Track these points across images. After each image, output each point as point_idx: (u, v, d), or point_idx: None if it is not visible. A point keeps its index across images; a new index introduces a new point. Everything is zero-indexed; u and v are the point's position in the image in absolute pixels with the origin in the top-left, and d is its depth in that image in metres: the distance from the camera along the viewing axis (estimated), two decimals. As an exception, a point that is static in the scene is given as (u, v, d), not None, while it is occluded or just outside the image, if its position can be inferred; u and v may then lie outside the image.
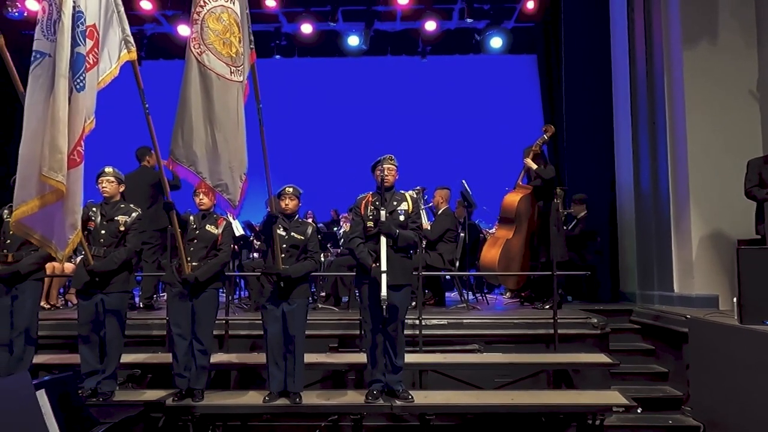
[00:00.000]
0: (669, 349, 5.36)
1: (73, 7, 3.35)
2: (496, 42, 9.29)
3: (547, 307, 5.89)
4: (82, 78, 3.37)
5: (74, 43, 3.34)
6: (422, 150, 9.85)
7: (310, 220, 6.47)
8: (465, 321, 5.32)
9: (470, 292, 7.09)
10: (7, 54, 3.69)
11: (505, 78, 10.42)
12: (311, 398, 4.28)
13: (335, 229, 8.27)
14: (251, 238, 7.23)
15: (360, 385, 4.73)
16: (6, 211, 4.34)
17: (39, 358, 4.54)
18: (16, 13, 8.52)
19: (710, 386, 4.53)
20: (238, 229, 6.48)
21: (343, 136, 10.54)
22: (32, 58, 3.37)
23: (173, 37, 9.52)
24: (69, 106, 3.29)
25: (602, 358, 4.88)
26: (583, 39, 7.60)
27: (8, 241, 4.25)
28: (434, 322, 5.24)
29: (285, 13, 9.48)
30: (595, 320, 5.25)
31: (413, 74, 10.47)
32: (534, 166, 6.07)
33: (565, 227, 6.85)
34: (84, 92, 3.37)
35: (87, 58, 3.41)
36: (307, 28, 9.36)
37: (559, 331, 5.10)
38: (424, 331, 5.08)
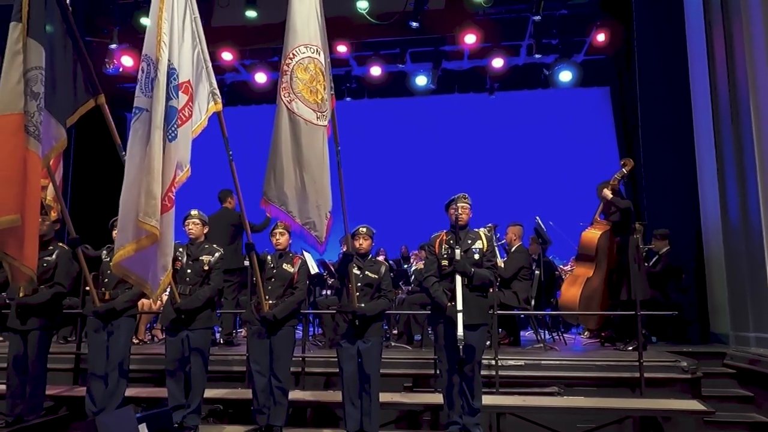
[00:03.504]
0: (771, 397, 4.95)
1: (168, 65, 3.66)
2: (565, 76, 9.19)
3: (630, 348, 5.61)
4: (174, 129, 3.67)
5: (168, 97, 3.65)
6: (493, 186, 9.76)
7: (381, 258, 6.54)
8: (543, 362, 5.15)
9: (546, 331, 6.87)
10: (107, 110, 4.07)
11: (576, 112, 10.23)
12: (387, 439, 4.25)
13: (405, 266, 8.29)
14: (325, 276, 7.37)
15: (435, 427, 4.65)
16: (104, 252, 4.67)
17: (127, 391, 4.76)
18: (112, 69, 9.32)
19: (822, 439, 4.12)
20: (313, 267, 6.63)
21: (412, 173, 10.64)
22: (132, 113, 3.70)
23: (250, 84, 10.11)
24: (163, 155, 3.57)
25: (695, 405, 4.56)
26: (658, 68, 7.40)
27: (106, 279, 4.55)
28: (511, 362, 5.10)
29: (355, 57, 9.84)
30: (685, 363, 4.94)
31: (481, 111, 10.48)
32: (610, 196, 5.92)
33: (646, 264, 6.55)
34: (176, 142, 3.66)
35: (183, 111, 3.70)
36: (376, 71, 9.65)
37: (646, 375, 4.83)
38: (501, 372, 4.94)
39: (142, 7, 8.58)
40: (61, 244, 4.75)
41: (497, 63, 9.27)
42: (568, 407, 4.68)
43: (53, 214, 4.68)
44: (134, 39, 8.96)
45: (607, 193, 5.94)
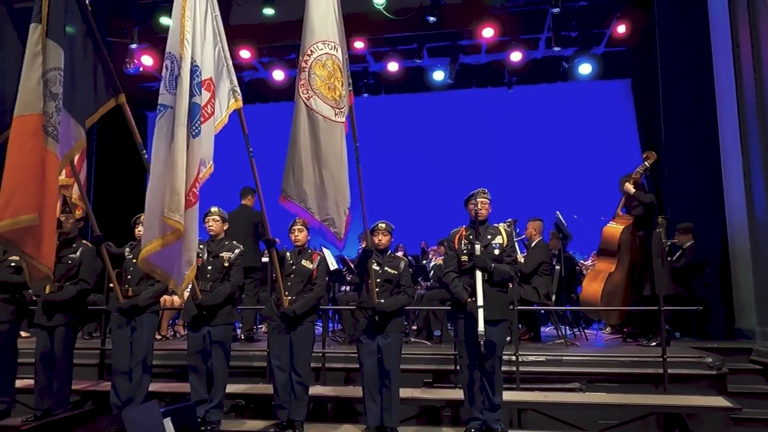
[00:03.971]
0: (799, 394, 4.84)
1: (191, 62, 3.69)
2: (585, 68, 9.06)
3: (653, 344, 5.53)
4: (197, 125, 3.70)
5: (191, 94, 3.68)
6: (513, 181, 9.68)
7: (400, 254, 6.53)
8: (564, 358, 5.11)
9: (567, 327, 6.80)
10: (128, 109, 4.12)
11: (596, 105, 10.08)
12: (408, 434, 4.25)
13: (424, 262, 8.27)
14: (344, 272, 7.39)
15: (456, 422, 4.64)
16: (127, 249, 4.73)
17: (150, 386, 4.82)
18: (132, 69, 9.42)
19: None
20: (332, 264, 6.65)
21: (430, 169, 10.59)
22: (157, 111, 3.74)
23: (268, 82, 10.15)
24: (187, 151, 3.61)
25: (721, 401, 4.48)
26: (681, 59, 7.28)
27: (129, 276, 4.62)
28: (531, 358, 5.06)
29: (372, 53, 9.82)
30: (710, 359, 4.86)
31: (500, 105, 10.40)
32: (632, 190, 5.83)
33: (669, 258, 6.45)
34: (199, 138, 3.69)
35: (205, 108, 3.73)
36: (393, 66, 9.62)
37: (669, 371, 4.76)
38: (522, 368, 4.91)
39: (162, 7, 8.66)
40: (84, 241, 4.82)
41: (515, 57, 9.18)
42: (590, 403, 4.64)
43: (78, 212, 4.75)
44: (154, 38, 9.06)
45: (630, 187, 5.85)
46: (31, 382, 4.67)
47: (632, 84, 9.55)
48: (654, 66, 7.99)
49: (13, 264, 4.58)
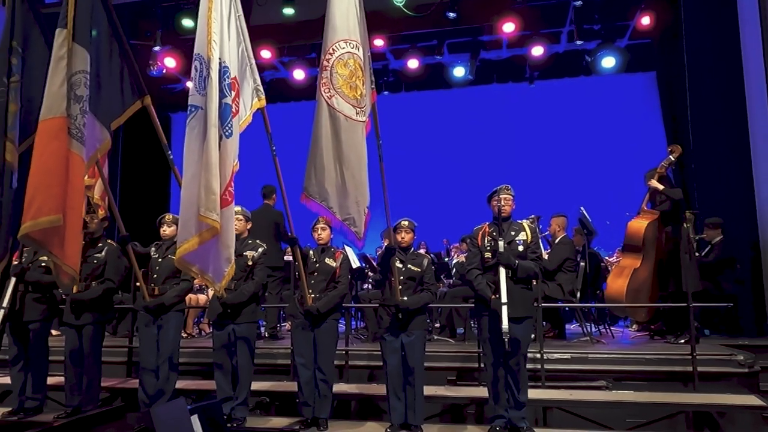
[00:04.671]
0: (836, 392, 4.70)
1: (220, 63, 3.72)
2: (608, 62, 8.90)
3: (682, 341, 5.43)
4: (229, 125, 3.73)
5: (221, 95, 3.72)
6: (536, 177, 9.59)
7: (422, 251, 6.51)
8: (590, 355, 5.04)
9: (592, 324, 6.71)
10: (153, 110, 4.17)
11: (620, 98, 9.92)
12: (433, 432, 4.23)
13: (446, 259, 8.24)
14: (366, 270, 7.39)
15: (481, 420, 4.61)
16: (153, 248, 4.80)
17: (177, 384, 4.88)
18: (156, 71, 9.54)
19: None
20: (354, 261, 6.66)
21: (452, 166, 10.55)
22: (188, 112, 3.78)
23: (289, 81, 10.20)
24: (219, 151, 3.64)
25: (753, 400, 4.38)
26: (708, 49, 7.11)
27: (155, 275, 4.68)
28: (557, 356, 5.01)
29: (392, 50, 9.80)
30: (741, 357, 4.75)
31: (521, 101, 10.30)
32: (660, 187, 5.73)
33: (697, 254, 6.31)
34: (231, 138, 3.72)
35: (231, 106, 3.76)
36: (413, 63, 9.59)
37: (699, 369, 4.67)
38: (547, 366, 4.86)
39: (184, 9, 8.76)
40: (110, 241, 4.91)
41: (537, 51, 9.08)
42: (616, 401, 4.56)
43: (101, 212, 4.83)
44: (177, 41, 9.17)
45: (656, 184, 5.76)
46: (62, 379, 4.77)
47: (657, 77, 9.38)
48: (680, 58, 7.81)
49: (43, 264, 4.67)
